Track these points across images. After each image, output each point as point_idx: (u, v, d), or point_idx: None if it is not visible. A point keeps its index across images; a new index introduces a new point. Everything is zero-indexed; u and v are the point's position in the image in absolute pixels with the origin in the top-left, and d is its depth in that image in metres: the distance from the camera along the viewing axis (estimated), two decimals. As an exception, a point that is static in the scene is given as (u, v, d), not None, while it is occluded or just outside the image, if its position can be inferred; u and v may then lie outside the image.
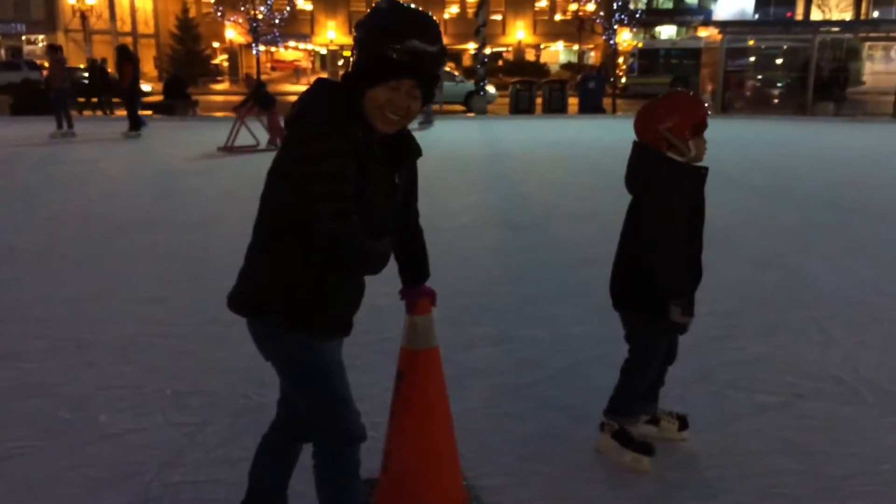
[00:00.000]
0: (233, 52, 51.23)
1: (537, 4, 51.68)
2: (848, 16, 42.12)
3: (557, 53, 53.17)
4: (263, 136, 14.17)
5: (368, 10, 2.05)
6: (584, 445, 3.20)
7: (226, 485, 2.89)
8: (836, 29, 29.87)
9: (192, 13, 47.66)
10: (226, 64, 52.18)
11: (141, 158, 13.44)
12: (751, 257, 6.24)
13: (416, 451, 2.58)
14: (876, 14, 45.15)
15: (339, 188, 1.93)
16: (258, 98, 14.01)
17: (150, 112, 21.27)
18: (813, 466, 3.05)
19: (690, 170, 2.88)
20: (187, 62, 43.78)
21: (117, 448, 3.17)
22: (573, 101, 25.70)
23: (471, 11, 44.42)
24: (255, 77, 16.47)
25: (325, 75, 44.70)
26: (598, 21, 29.96)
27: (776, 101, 25.14)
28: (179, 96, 22.54)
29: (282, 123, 13.75)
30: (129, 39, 40.14)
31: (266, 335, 2.16)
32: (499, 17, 50.20)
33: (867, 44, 29.50)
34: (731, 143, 14.97)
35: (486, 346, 4.35)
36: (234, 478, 2.94)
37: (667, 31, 49.87)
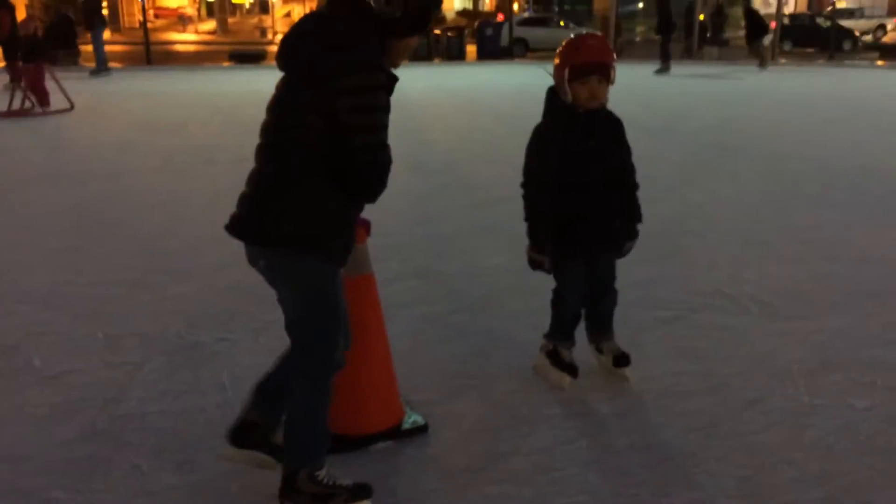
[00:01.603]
0: (113, -1, 48.47)
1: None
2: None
3: (452, 0, 52.89)
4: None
5: None
6: (507, 362, 3.50)
7: (173, 414, 3.03)
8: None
9: (66, -44, 44.65)
10: (105, 11, 49.35)
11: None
12: (642, 192, 6.67)
13: (356, 368, 2.78)
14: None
15: (386, 119, 2.13)
16: (41, 48, 12.08)
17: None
18: (705, 367, 3.46)
19: (569, 111, 3.02)
20: (62, 9, 41.12)
21: (58, 388, 3.24)
22: (471, 49, 25.88)
23: (363, -44, 43.47)
24: (35, 21, 13.27)
25: (213, 24, 42.14)
26: (491, -33, 30.07)
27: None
28: (65, 45, 21.13)
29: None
30: (-4, -15, 37.31)
31: (284, 261, 2.23)
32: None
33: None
34: (621, 86, 15.53)
35: (406, 281, 4.57)
36: (178, 408, 3.09)
37: (559, -23, 50.35)
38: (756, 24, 21.50)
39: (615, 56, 3.09)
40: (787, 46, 26.77)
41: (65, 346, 3.65)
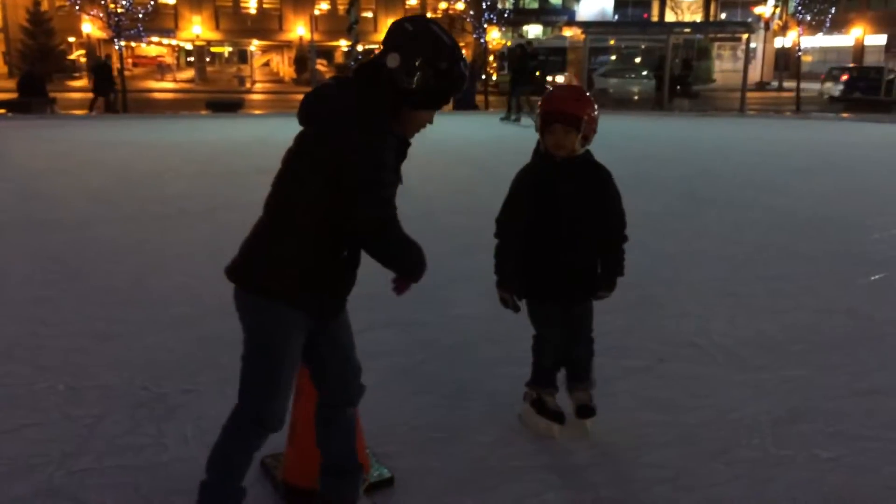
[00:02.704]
0: (90, 47, 48.67)
1: (408, 3, 52.09)
2: (698, 17, 44.91)
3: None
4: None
5: (406, 30, 2.24)
6: (476, 413, 3.48)
7: (132, 469, 2.97)
8: (688, 30, 31.97)
9: (45, 6, 44.92)
10: (83, 59, 49.48)
11: (0, 158, 12.72)
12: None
13: (321, 422, 2.76)
14: (723, 16, 48.42)
15: (390, 177, 2.17)
16: None
17: (3, 111, 20.07)
18: (673, 417, 3.46)
19: (544, 158, 3.12)
20: (40, 58, 41.23)
21: (15, 443, 3.17)
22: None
23: (342, 8, 44.21)
24: None
25: (191, 72, 42.51)
26: (468, 20, 30.57)
27: (636, 97, 26.65)
28: (36, 93, 21.27)
29: None
30: (-26, 33, 37.44)
31: (248, 304, 2.30)
32: (370, 15, 50.26)
33: (716, 44, 31.78)
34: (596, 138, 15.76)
35: (378, 330, 4.54)
36: (140, 462, 3.04)
37: (533, 31, 51.49)
38: (519, 72, 19.65)
39: (588, 108, 3.10)
40: (856, 94, 28.84)
41: (24, 399, 3.58)
